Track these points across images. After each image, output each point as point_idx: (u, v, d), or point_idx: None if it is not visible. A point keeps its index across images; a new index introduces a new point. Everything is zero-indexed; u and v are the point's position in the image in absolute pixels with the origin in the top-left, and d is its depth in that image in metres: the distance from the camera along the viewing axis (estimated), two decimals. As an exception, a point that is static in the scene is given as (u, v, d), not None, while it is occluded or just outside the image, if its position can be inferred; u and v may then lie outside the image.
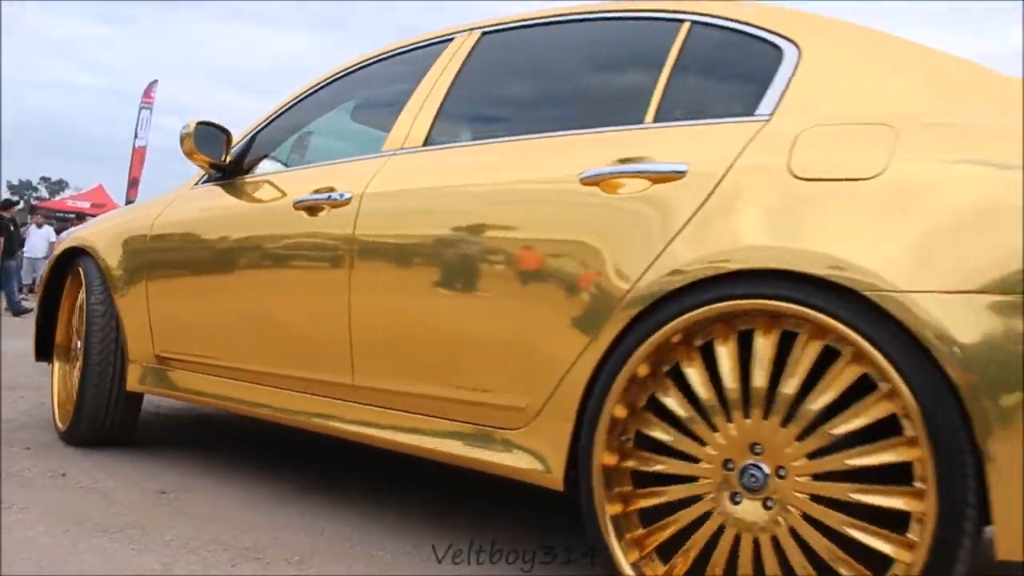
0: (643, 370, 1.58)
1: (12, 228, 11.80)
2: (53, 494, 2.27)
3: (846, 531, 1.38)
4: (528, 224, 1.82)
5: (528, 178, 1.89)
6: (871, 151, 1.46)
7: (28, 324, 3.49)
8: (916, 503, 1.33)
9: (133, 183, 17.71)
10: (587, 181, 1.72)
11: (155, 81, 18.56)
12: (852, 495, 1.38)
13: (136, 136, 17.92)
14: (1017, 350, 1.27)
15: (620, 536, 1.58)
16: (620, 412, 1.60)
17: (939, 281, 1.33)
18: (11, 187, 57.13)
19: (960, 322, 1.30)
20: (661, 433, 1.57)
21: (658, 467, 1.57)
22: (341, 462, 2.96)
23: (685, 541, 1.53)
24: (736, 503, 1.47)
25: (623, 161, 1.72)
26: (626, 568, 1.56)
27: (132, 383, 2.77)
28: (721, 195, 1.57)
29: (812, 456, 1.42)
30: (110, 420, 2.82)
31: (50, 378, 3.23)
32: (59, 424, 2.98)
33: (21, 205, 17.45)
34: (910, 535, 1.34)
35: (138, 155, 17.70)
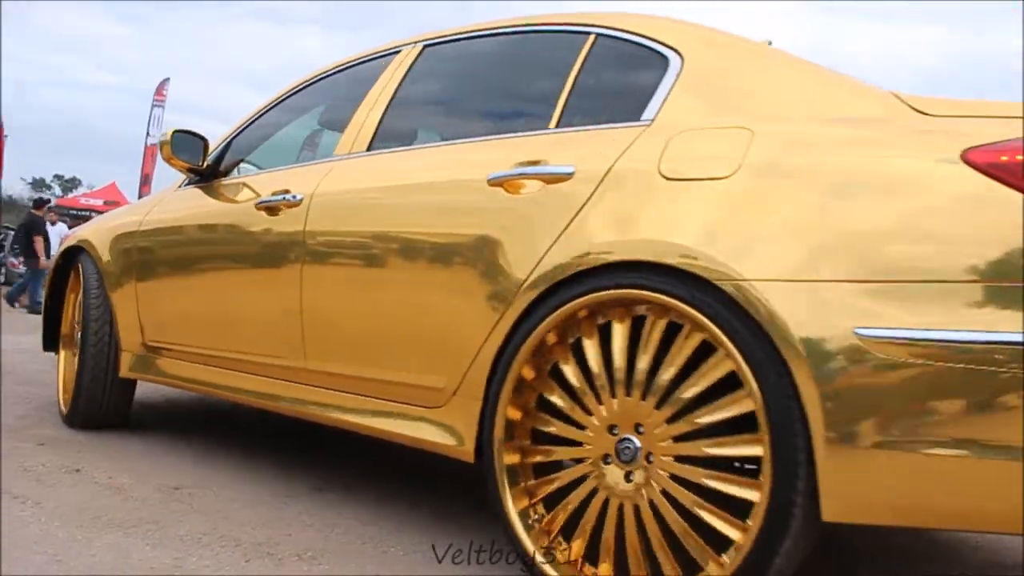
0: (552, 338, 1.75)
1: (46, 227, 12.14)
2: (68, 489, 2.30)
3: (696, 511, 1.52)
4: (444, 221, 2.03)
5: (445, 179, 2.11)
6: (728, 153, 1.63)
7: (40, 322, 3.60)
8: (757, 493, 1.44)
9: (146, 180, 18.03)
10: (493, 182, 1.93)
11: (167, 79, 18.86)
12: (705, 480, 1.51)
13: (148, 134, 18.23)
14: (849, 339, 1.34)
15: (514, 484, 1.79)
16: (528, 374, 1.78)
17: (781, 269, 1.43)
18: (28, 184, 57.96)
19: (799, 311, 1.38)
20: (558, 399, 1.76)
21: (551, 428, 1.77)
22: (350, 457, 3.03)
23: (567, 496, 1.71)
24: (629, 481, 1.60)
25: (524, 164, 1.92)
26: (513, 513, 1.76)
27: (124, 370, 3.04)
28: (601, 195, 1.75)
29: (677, 440, 1.55)
30: (106, 404, 3.10)
31: (56, 366, 3.47)
32: (62, 407, 3.26)
33: (52, 203, 17.60)
34: (749, 521, 1.45)
35: (151, 152, 17.98)
